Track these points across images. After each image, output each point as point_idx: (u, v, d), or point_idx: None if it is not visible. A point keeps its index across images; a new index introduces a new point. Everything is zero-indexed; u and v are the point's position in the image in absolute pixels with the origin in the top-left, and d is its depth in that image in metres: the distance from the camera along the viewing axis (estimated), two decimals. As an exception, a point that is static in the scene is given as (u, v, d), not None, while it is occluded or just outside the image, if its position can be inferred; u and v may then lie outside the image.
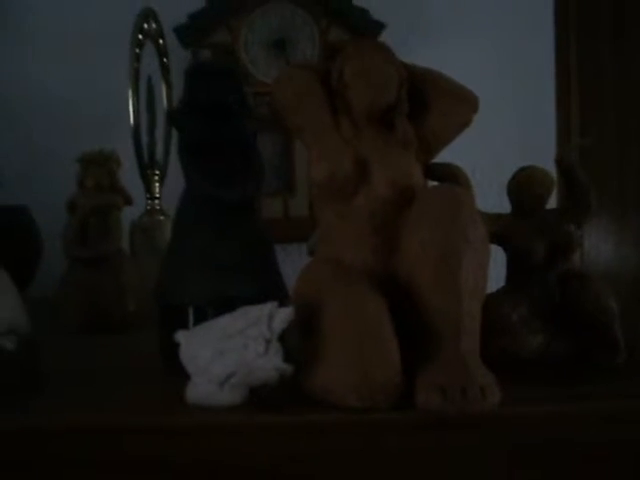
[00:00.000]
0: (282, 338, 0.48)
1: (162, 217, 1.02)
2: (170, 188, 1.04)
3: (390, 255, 0.53)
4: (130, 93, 1.00)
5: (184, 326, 0.57)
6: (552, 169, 0.63)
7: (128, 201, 0.84)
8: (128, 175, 0.97)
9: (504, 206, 0.62)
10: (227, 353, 0.47)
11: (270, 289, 0.60)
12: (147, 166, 1.03)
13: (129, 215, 0.98)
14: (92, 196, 0.81)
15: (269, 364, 0.46)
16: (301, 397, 0.49)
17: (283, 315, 0.48)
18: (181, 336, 0.50)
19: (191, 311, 0.59)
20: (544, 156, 0.70)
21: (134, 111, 1.01)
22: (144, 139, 1.02)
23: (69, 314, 0.79)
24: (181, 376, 0.51)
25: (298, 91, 0.56)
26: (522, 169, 0.61)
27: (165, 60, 1.08)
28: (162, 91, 1.08)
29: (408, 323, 0.50)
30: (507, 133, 1.20)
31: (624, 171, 1.34)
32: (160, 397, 0.53)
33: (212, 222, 0.59)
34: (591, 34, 1.30)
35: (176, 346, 0.52)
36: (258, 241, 0.61)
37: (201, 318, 0.57)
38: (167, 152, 1.06)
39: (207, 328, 0.49)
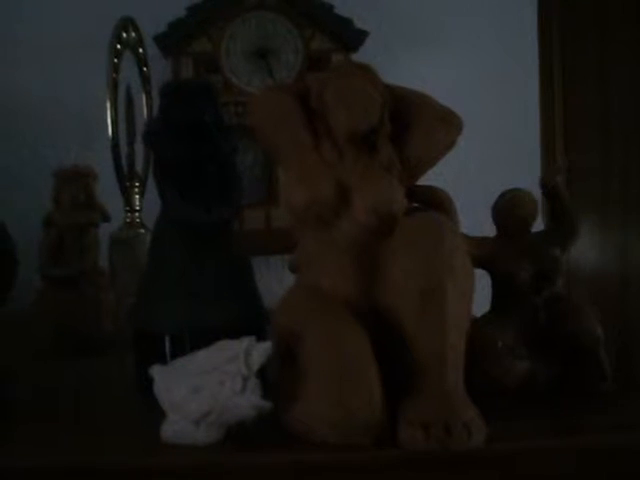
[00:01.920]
0: (261, 372, 0.46)
1: (142, 230, 0.99)
2: (151, 201, 1.02)
3: (372, 285, 0.51)
4: (108, 104, 0.98)
5: (160, 355, 0.55)
6: (537, 180, 0.61)
7: (105, 218, 0.81)
8: (107, 188, 0.95)
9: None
10: (203, 390, 0.45)
11: (249, 317, 0.57)
12: (126, 178, 1.00)
13: (108, 228, 0.95)
14: (68, 212, 0.78)
15: (246, 402, 0.44)
16: (280, 433, 0.47)
17: (261, 350, 0.45)
18: (156, 371, 0.48)
19: (167, 340, 0.56)
20: (529, 168, 0.68)
21: (112, 122, 0.99)
22: (123, 150, 1.00)
23: (42, 336, 0.76)
24: (158, 407, 0.49)
25: (276, 111, 0.54)
26: (506, 192, 0.60)
27: (145, 69, 1.05)
28: (142, 101, 1.05)
29: (390, 356, 0.48)
30: (491, 144, 1.18)
31: (607, 178, 1.33)
32: (136, 433, 0.50)
33: (187, 246, 0.57)
34: (575, 47, 1.28)
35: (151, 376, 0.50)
36: (236, 266, 0.59)
37: (177, 347, 0.55)
38: (147, 163, 1.03)
39: (183, 363, 0.47)
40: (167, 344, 0.56)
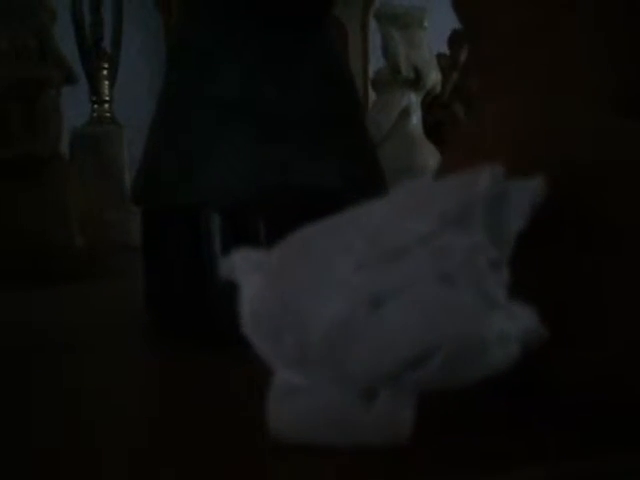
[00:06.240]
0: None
1: (113, 126, 0.70)
2: (124, 89, 0.72)
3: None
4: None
5: (203, 249, 0.25)
6: None
7: (70, 77, 0.49)
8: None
9: None
10: (392, 302, 0.15)
11: (364, 173, 0.28)
12: (92, 57, 0.69)
13: (69, 121, 0.65)
14: (8, 65, 0.46)
15: (512, 325, 0.15)
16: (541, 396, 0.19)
17: (525, 193, 0.16)
18: (242, 261, 0.17)
19: (215, 220, 0.26)
20: None
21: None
22: (87, 19, 0.68)
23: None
24: (224, 359, 0.19)
25: None
26: None
27: None
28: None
29: None
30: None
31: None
32: (184, 424, 0.21)
33: (251, 46, 0.27)
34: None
35: (199, 293, 0.20)
36: (337, 86, 0.29)
37: (237, 231, 0.26)
38: (118, 38, 0.72)
39: (325, 233, 0.16)
40: (216, 227, 0.26)
